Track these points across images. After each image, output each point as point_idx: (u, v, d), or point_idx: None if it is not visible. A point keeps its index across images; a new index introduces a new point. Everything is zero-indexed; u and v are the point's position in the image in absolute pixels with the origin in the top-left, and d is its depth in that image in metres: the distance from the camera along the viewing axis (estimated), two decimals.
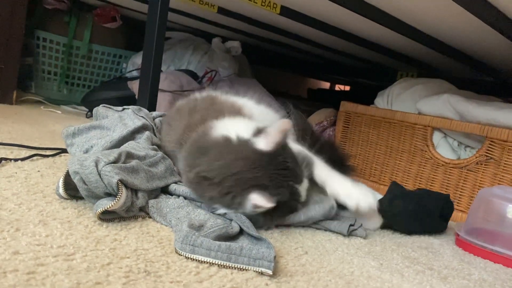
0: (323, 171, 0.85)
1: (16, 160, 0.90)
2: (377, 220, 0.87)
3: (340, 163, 1.14)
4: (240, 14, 1.60)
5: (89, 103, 1.82)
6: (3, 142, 1.03)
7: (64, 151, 1.03)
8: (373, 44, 1.70)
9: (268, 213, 0.71)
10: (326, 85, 3.89)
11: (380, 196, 0.94)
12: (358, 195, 0.81)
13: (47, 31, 1.88)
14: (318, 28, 1.52)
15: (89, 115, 1.78)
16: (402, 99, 1.41)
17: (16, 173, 0.82)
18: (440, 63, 1.88)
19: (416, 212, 0.94)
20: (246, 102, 1.00)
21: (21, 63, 1.74)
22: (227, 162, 0.72)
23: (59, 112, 1.76)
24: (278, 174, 0.73)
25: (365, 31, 1.53)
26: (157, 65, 1.25)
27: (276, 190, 0.71)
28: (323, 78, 3.69)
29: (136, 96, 1.55)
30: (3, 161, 0.87)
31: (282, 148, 0.75)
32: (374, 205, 0.83)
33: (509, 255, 0.82)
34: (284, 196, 0.73)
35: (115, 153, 0.72)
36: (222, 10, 1.55)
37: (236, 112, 0.90)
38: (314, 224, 0.81)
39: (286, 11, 1.38)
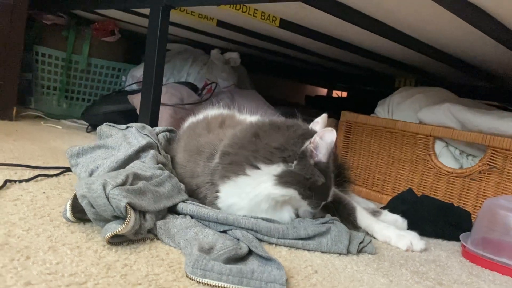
0: (366, 218, 0.93)
1: (20, 181, 0.90)
2: (407, 240, 0.90)
3: (340, 174, 1.15)
4: (239, 27, 1.60)
5: (90, 117, 1.82)
6: (6, 162, 1.03)
7: (67, 169, 1.03)
8: (372, 52, 1.71)
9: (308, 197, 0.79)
10: (324, 91, 3.90)
11: None
12: (409, 238, 0.89)
13: (46, 46, 1.88)
14: (317, 39, 1.52)
15: (90, 130, 1.78)
16: (403, 109, 1.41)
17: (21, 195, 0.82)
18: (438, 69, 1.89)
19: (406, 213, 1.01)
20: None
21: (20, 78, 1.74)
22: (292, 136, 0.80)
23: (60, 127, 1.75)
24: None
25: (364, 41, 1.54)
26: (159, 81, 1.25)
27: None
28: (320, 84, 3.70)
29: (137, 111, 1.55)
30: (8, 183, 0.86)
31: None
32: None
33: None
34: (321, 177, 0.79)
35: (122, 175, 0.72)
36: (221, 23, 1.56)
37: None
38: (319, 246, 0.80)
39: (285, 24, 1.39)
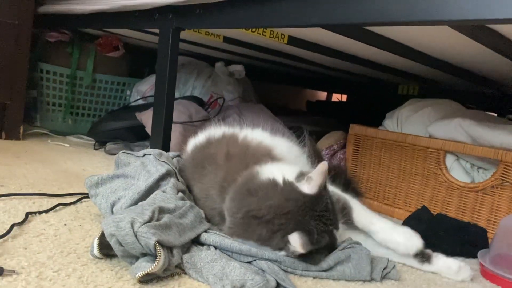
0: (363, 217, 0.88)
1: (40, 213, 0.90)
2: (465, 272, 0.87)
3: (349, 188, 1.16)
4: (245, 42, 1.61)
5: (96, 134, 1.82)
6: (23, 191, 1.03)
7: (84, 196, 1.03)
8: (377, 64, 1.72)
9: (307, 256, 0.76)
10: (324, 95, 3.92)
11: None
12: (406, 241, 0.85)
13: (50, 63, 1.88)
14: (324, 53, 1.53)
15: (97, 147, 1.78)
16: (412, 122, 1.42)
17: (44, 229, 0.82)
18: (443, 78, 1.90)
19: (423, 233, 0.97)
20: (271, 140, 1.02)
21: (26, 96, 1.73)
22: (278, 203, 0.77)
23: (67, 145, 1.75)
24: (322, 217, 0.77)
25: (371, 55, 1.55)
26: (170, 102, 1.25)
27: (320, 235, 0.75)
28: (320, 89, 3.71)
29: (147, 128, 1.56)
30: (29, 216, 0.86)
31: (324, 190, 0.79)
32: (422, 246, 0.87)
33: None
34: (324, 241, 0.76)
35: (148, 210, 0.72)
36: (227, 39, 1.56)
37: (267, 154, 0.95)
38: (342, 275, 0.79)
39: (293, 40, 1.40)
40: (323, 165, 0.78)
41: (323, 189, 0.78)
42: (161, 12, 1.24)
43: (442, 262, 0.88)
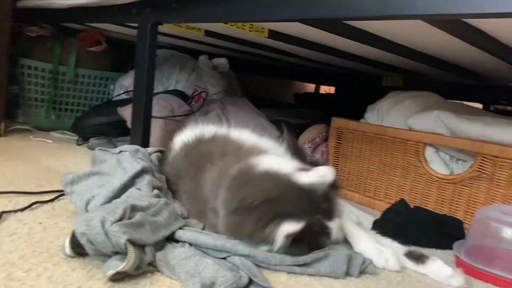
0: (350, 231, 0.89)
1: (16, 211, 0.89)
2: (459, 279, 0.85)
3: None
4: (227, 36, 1.60)
5: (79, 129, 1.81)
6: (2, 189, 1.02)
7: (63, 193, 1.03)
8: (361, 57, 1.72)
9: (296, 245, 0.76)
10: (312, 87, 3.92)
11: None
12: (387, 255, 0.85)
13: (32, 58, 1.86)
14: (306, 47, 1.53)
15: (80, 142, 1.77)
16: (392, 115, 1.43)
17: (18, 229, 0.81)
18: (426, 70, 1.91)
19: (400, 226, 1.02)
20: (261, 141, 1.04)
21: (7, 92, 1.72)
22: (266, 188, 0.78)
23: (50, 140, 1.74)
24: (310, 208, 0.78)
25: (354, 49, 1.55)
26: (149, 96, 1.25)
27: (305, 220, 0.76)
28: (308, 81, 3.71)
29: (128, 124, 1.55)
30: (3, 215, 0.86)
31: (320, 191, 0.79)
32: (400, 265, 0.86)
33: (509, 278, 0.84)
34: (312, 223, 0.76)
35: (119, 209, 0.72)
36: (209, 33, 1.55)
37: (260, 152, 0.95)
38: (317, 272, 0.79)
39: (274, 34, 1.39)
40: (327, 171, 0.79)
41: (318, 188, 0.79)
42: (139, 6, 1.23)
43: (435, 267, 0.86)
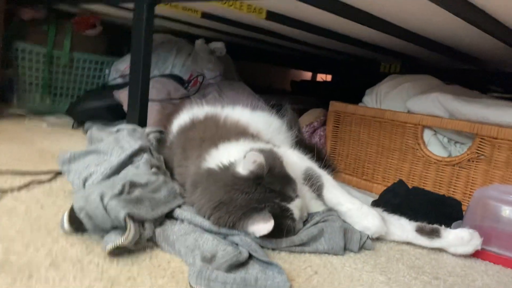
0: (333, 196, 0.86)
1: (12, 190, 0.88)
2: (477, 239, 0.85)
3: (325, 165, 1.15)
4: (224, 18, 1.58)
5: (75, 113, 1.79)
6: None
7: (59, 173, 1.02)
8: (358, 40, 1.71)
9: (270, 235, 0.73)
10: (308, 75, 3.90)
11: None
12: (372, 223, 0.83)
13: (26, 41, 1.83)
14: (304, 29, 1.52)
15: (75, 126, 1.75)
16: (391, 98, 1.42)
17: (15, 206, 0.81)
18: (423, 54, 1.90)
19: (399, 206, 1.01)
20: (247, 117, 1.01)
21: (1, 76, 1.69)
22: (211, 195, 0.76)
23: (45, 125, 1.72)
24: (262, 195, 0.74)
25: (352, 30, 1.53)
26: (146, 78, 1.23)
27: (263, 208, 0.73)
28: (305, 68, 3.70)
29: (124, 107, 1.53)
30: (0, 193, 0.85)
31: (265, 173, 0.75)
32: (385, 231, 0.85)
33: (507, 256, 0.85)
34: (273, 210, 0.73)
35: (118, 184, 0.72)
36: (206, 15, 1.54)
37: (241, 132, 0.93)
38: (315, 250, 0.78)
39: (272, 15, 1.38)
40: (253, 156, 0.74)
41: (260, 173, 0.75)
42: None
43: (453, 235, 0.85)
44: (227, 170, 0.78)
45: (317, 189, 0.85)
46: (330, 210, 0.84)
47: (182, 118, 1.09)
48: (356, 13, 1.20)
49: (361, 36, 1.64)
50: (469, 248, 0.85)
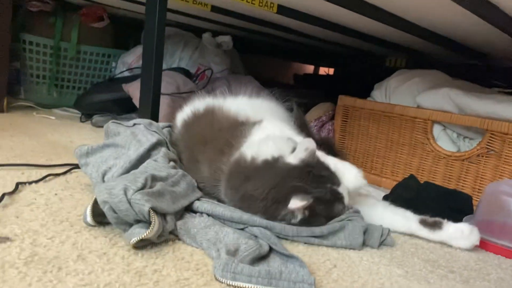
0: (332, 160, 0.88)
1: (30, 183, 0.89)
2: (475, 234, 0.87)
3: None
4: (234, 12, 1.58)
5: (83, 106, 1.80)
6: (10, 162, 1.02)
7: (74, 167, 1.03)
8: (367, 35, 1.71)
9: (315, 217, 0.78)
10: (311, 68, 3.90)
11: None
12: (354, 176, 0.86)
13: (33, 34, 1.83)
14: (313, 23, 1.52)
15: (84, 119, 1.76)
16: (400, 92, 1.43)
17: (35, 199, 0.81)
18: (430, 49, 1.91)
19: (410, 201, 1.02)
20: (249, 105, 1.03)
21: (8, 68, 1.70)
22: (267, 179, 0.79)
23: (53, 117, 1.73)
24: (315, 181, 0.79)
25: (360, 24, 1.54)
26: (158, 72, 1.23)
27: (315, 189, 0.78)
28: (308, 62, 3.69)
29: (134, 100, 1.54)
30: (19, 186, 0.86)
31: (313, 162, 0.80)
32: (363, 183, 0.87)
33: None
34: (323, 193, 0.78)
35: (141, 178, 0.72)
36: (215, 8, 1.54)
37: (247, 122, 0.95)
38: (333, 244, 0.80)
39: (282, 9, 1.38)
40: (308, 142, 0.80)
41: (310, 161, 0.80)
42: None
43: (453, 228, 0.88)
44: (277, 163, 0.80)
45: None
46: (356, 211, 0.85)
47: (185, 112, 1.09)
48: (369, 8, 1.21)
49: (371, 31, 1.64)
50: (468, 243, 0.87)
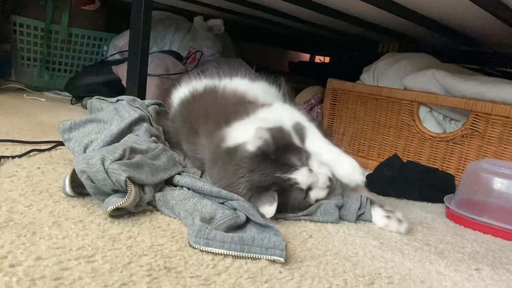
0: (314, 145, 0.85)
1: (13, 157, 0.90)
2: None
3: None
4: None
5: (73, 89, 1.80)
6: None
7: (59, 144, 1.03)
8: (357, 18, 1.71)
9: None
10: (306, 56, 3.89)
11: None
12: (346, 171, 0.83)
13: (23, 15, 1.82)
14: (303, 6, 1.51)
15: (74, 102, 1.76)
16: (388, 75, 1.44)
17: (17, 171, 0.82)
18: (421, 34, 1.91)
19: (393, 179, 1.04)
20: (244, 86, 1.03)
21: None
22: (225, 173, 0.79)
23: (43, 99, 1.73)
24: (264, 171, 0.77)
25: (350, 7, 1.53)
26: (145, 53, 1.24)
27: (270, 186, 0.76)
28: (303, 50, 3.69)
29: (123, 82, 1.54)
30: (1, 160, 0.86)
31: (272, 149, 0.77)
32: (361, 180, 0.83)
33: (496, 225, 0.87)
34: (276, 184, 0.76)
35: (119, 149, 0.73)
36: None
37: (242, 103, 0.94)
38: (310, 219, 0.80)
39: None
40: (260, 131, 0.77)
41: (268, 148, 0.77)
42: None
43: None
44: (238, 149, 0.79)
45: (302, 141, 0.85)
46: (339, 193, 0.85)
47: (182, 91, 1.10)
48: None
49: (360, 14, 1.63)
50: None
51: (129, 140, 0.82)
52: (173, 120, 1.06)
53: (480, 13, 1.27)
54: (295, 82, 2.06)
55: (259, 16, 2.04)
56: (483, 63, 2.01)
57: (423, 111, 1.30)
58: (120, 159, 0.71)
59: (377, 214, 0.84)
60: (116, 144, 0.80)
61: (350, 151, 1.46)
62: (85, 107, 1.68)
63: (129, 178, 0.68)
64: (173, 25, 1.99)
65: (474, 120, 1.15)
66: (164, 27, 2.00)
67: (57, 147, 1.03)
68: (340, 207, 0.81)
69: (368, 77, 1.50)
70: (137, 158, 0.75)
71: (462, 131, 1.17)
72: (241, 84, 1.05)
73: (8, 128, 1.17)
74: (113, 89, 1.70)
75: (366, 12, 1.57)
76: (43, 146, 1.02)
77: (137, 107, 0.95)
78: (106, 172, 0.68)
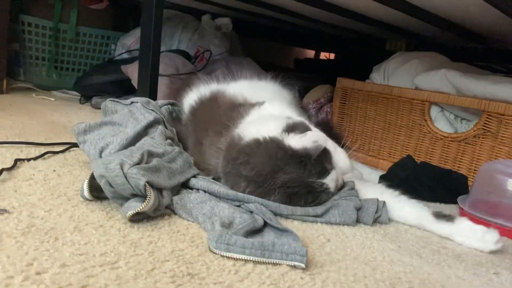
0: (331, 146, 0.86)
1: (29, 160, 0.90)
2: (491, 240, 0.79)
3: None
4: None
5: (82, 88, 1.80)
6: (9, 140, 1.03)
7: (73, 145, 1.04)
8: (365, 17, 1.70)
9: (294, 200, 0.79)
10: (311, 53, 3.88)
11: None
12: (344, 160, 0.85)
13: (32, 15, 1.82)
14: (311, 4, 1.51)
15: (83, 101, 1.77)
16: (399, 74, 1.43)
17: (33, 175, 0.82)
18: (429, 32, 1.90)
19: (406, 180, 1.04)
20: (251, 89, 1.03)
21: (7, 49, 1.69)
22: (260, 163, 0.78)
23: (52, 99, 1.73)
24: (301, 175, 0.78)
25: (359, 5, 1.53)
26: (156, 52, 1.24)
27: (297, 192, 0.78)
28: (308, 46, 3.68)
29: (133, 81, 1.54)
30: (18, 163, 0.87)
31: (314, 155, 0.78)
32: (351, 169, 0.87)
33: (511, 227, 0.87)
34: (309, 189, 0.79)
35: (137, 153, 0.73)
36: None
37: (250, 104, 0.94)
38: (327, 221, 0.81)
39: None
40: (313, 135, 0.79)
41: (311, 152, 0.78)
42: None
43: (466, 225, 0.82)
44: (273, 143, 0.79)
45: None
46: (351, 189, 0.86)
47: (192, 98, 1.10)
48: None
49: (369, 12, 1.63)
50: (482, 244, 0.79)
51: (145, 144, 0.82)
52: (186, 125, 1.07)
53: (490, 11, 1.26)
54: (301, 79, 2.06)
55: (266, 14, 2.03)
56: (490, 60, 2.00)
57: (434, 111, 1.29)
58: (139, 163, 0.71)
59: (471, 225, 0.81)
60: (133, 147, 0.80)
61: (361, 150, 1.46)
62: (94, 106, 1.69)
63: (148, 182, 0.68)
64: (181, 24, 1.99)
65: (486, 120, 1.15)
66: (172, 25, 1.99)
67: (71, 149, 1.04)
68: (358, 209, 0.82)
69: (378, 76, 1.49)
70: (155, 161, 0.75)
71: (474, 131, 1.17)
72: (243, 87, 1.04)
73: (20, 129, 1.17)
74: (122, 88, 1.71)
75: (374, 10, 1.56)
76: (56, 148, 1.02)
77: (152, 110, 0.95)
78: (125, 177, 0.68)
